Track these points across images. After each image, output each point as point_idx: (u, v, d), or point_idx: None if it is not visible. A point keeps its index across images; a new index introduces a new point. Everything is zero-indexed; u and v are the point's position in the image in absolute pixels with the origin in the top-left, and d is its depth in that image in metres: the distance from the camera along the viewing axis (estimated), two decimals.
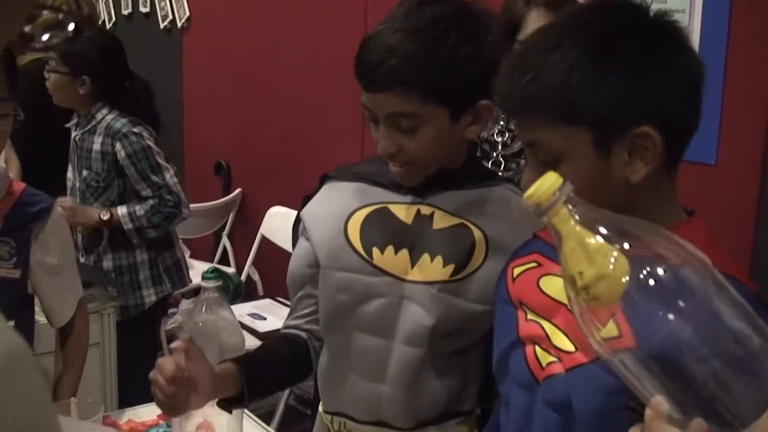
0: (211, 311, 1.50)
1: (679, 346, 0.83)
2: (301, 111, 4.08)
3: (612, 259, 0.86)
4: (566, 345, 1.17)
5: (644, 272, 0.85)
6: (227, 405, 1.47)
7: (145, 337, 3.00)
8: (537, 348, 1.20)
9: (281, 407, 3.50)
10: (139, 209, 2.87)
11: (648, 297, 0.84)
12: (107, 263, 2.96)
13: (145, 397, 2.61)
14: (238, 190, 4.60)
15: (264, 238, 4.05)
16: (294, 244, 1.62)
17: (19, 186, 1.80)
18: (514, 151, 2.19)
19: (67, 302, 1.92)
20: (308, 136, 4.02)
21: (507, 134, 2.19)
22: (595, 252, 0.87)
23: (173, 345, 1.36)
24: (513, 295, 1.27)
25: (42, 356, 2.29)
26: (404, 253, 1.44)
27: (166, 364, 1.33)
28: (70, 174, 3.02)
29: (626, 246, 0.87)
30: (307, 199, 1.61)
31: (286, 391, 3.51)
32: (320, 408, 1.66)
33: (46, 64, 2.94)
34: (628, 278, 0.85)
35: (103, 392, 2.63)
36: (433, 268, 1.42)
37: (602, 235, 0.89)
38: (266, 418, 2.28)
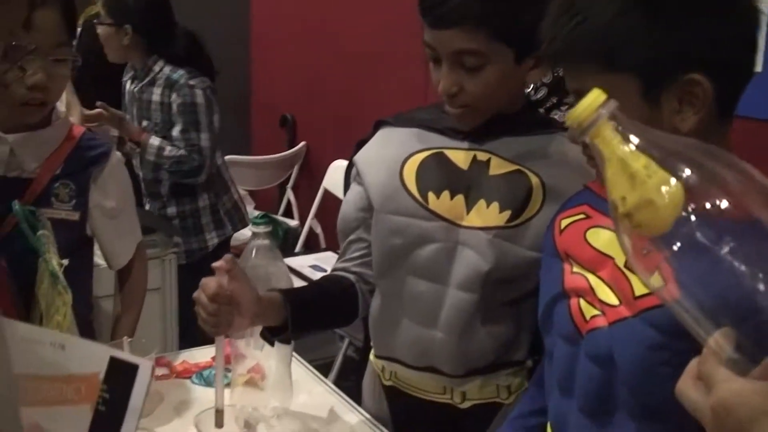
0: (260, 256, 1.51)
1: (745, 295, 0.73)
2: (365, 65, 4.05)
3: (663, 187, 0.78)
4: (610, 298, 1.14)
5: (701, 204, 0.75)
6: (270, 335, 1.47)
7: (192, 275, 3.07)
8: (581, 301, 1.18)
9: (340, 358, 3.53)
10: (169, 151, 2.96)
11: (704, 236, 0.75)
12: (171, 209, 3.06)
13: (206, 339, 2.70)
14: (302, 143, 4.62)
15: (326, 192, 4.07)
16: (346, 190, 1.62)
17: (79, 130, 1.82)
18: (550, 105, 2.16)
19: (126, 245, 1.94)
20: (372, 91, 4.00)
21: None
22: (640, 175, 0.79)
23: (215, 264, 1.36)
24: (560, 247, 1.25)
25: (102, 299, 2.36)
26: (460, 198, 1.43)
27: (209, 282, 1.35)
28: None
29: (682, 172, 0.78)
30: (361, 144, 1.61)
31: (345, 342, 3.54)
32: (371, 356, 1.67)
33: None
34: (679, 208, 0.76)
35: (163, 336, 2.70)
36: (489, 214, 1.41)
37: (652, 158, 0.80)
38: (324, 369, 2.29)
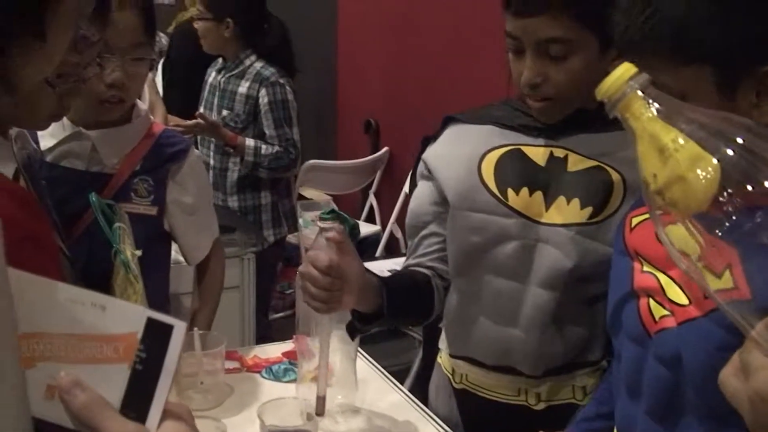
0: (327, 251, 1.50)
1: None
2: (449, 73, 4.04)
3: (696, 163, 0.73)
4: (680, 298, 1.09)
5: (742, 186, 0.70)
6: (361, 323, 1.42)
7: (263, 275, 3.08)
8: (651, 301, 1.13)
9: (417, 364, 3.51)
10: (265, 149, 3.04)
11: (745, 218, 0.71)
12: (233, 203, 3.14)
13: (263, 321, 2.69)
14: (385, 149, 4.63)
15: (408, 197, 4.06)
16: (412, 187, 1.60)
17: (159, 127, 1.87)
18: None
19: (203, 241, 1.98)
20: (456, 97, 3.98)
21: None
22: (670, 151, 0.76)
23: (328, 235, 1.30)
24: (630, 245, 1.20)
25: (182, 296, 2.41)
26: (538, 195, 1.40)
27: (320, 255, 1.29)
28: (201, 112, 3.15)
29: (719, 148, 0.74)
30: (427, 141, 1.59)
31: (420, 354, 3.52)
32: (439, 359, 1.65)
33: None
34: (714, 185, 0.72)
35: (241, 333, 2.73)
36: (570, 211, 1.38)
37: (686, 133, 0.76)
38: (400, 376, 2.28)
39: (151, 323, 0.56)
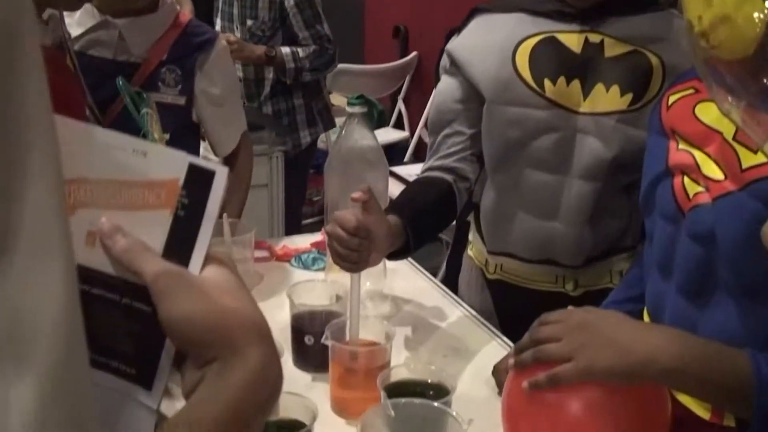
0: (356, 137, 1.49)
1: None
2: None
3: (748, 5, 0.70)
4: (716, 173, 1.07)
5: None
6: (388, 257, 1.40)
7: (301, 175, 3.08)
8: (686, 178, 1.11)
9: (444, 264, 3.53)
10: (302, 51, 2.95)
11: None
12: (266, 109, 3.07)
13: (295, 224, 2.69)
14: (414, 54, 4.56)
15: None
16: (437, 81, 1.56)
17: (186, 17, 1.84)
18: None
19: (231, 133, 1.97)
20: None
21: None
22: None
23: (354, 195, 1.26)
24: (666, 123, 1.17)
25: None
26: (576, 83, 1.36)
27: (346, 216, 1.25)
28: (219, 27, 3.05)
29: None
30: (452, 33, 1.54)
31: (450, 248, 3.52)
32: (470, 251, 1.64)
33: None
34: (760, 26, 0.68)
35: (270, 229, 2.74)
36: (609, 98, 1.34)
37: None
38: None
39: (192, 169, 0.54)
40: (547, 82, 1.36)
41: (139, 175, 0.55)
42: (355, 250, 1.24)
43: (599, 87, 1.35)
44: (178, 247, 0.55)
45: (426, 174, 1.52)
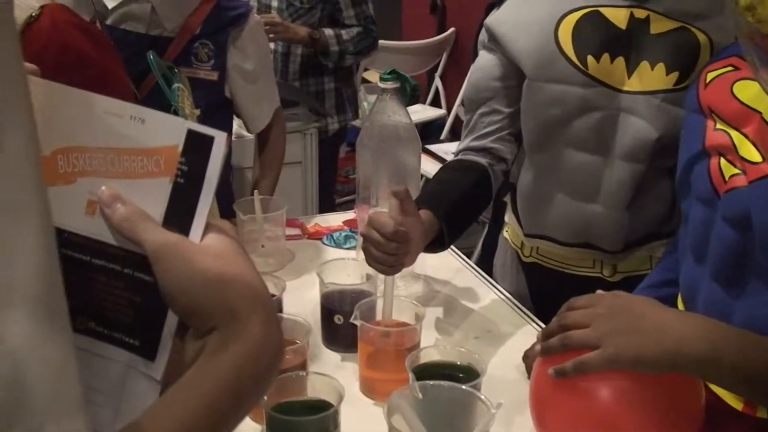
0: (388, 112, 1.47)
1: None
2: None
3: None
4: (753, 155, 1.04)
5: None
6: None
7: (332, 153, 3.02)
8: (722, 160, 1.08)
9: (480, 244, 3.50)
10: (345, 33, 2.85)
11: None
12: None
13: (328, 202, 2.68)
14: (451, 30, 4.51)
15: None
16: (474, 57, 1.53)
17: None
18: None
19: (264, 110, 1.96)
20: None
21: None
22: None
23: (394, 189, 1.22)
24: (703, 101, 1.14)
25: (245, 170, 2.42)
26: (620, 61, 1.33)
27: (382, 218, 1.22)
28: None
29: None
30: (492, 6, 1.50)
31: (486, 228, 3.50)
32: (505, 233, 1.62)
33: None
34: None
35: (303, 207, 2.74)
36: (654, 77, 1.31)
37: None
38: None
39: (191, 135, 0.54)
40: (590, 59, 1.33)
41: (138, 142, 0.54)
42: (392, 254, 1.22)
43: (644, 65, 1.32)
44: (178, 215, 0.54)
45: (460, 157, 1.50)
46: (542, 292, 1.54)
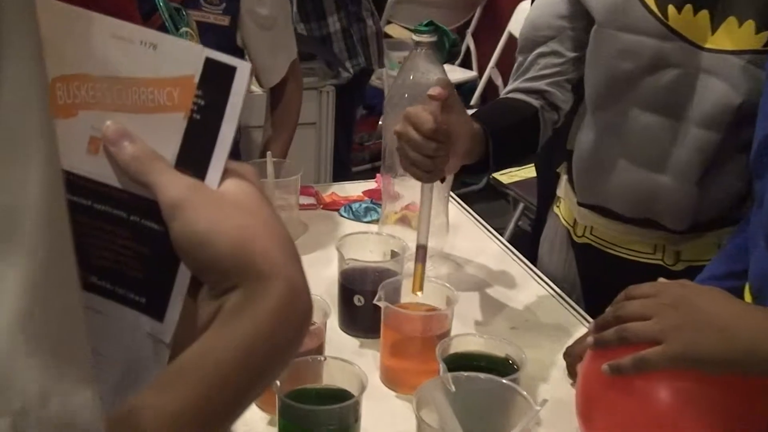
0: (422, 69, 1.46)
1: None
2: None
3: None
4: None
5: None
6: (462, 174, 1.35)
7: (347, 114, 2.97)
8: None
9: (511, 225, 3.51)
10: None
11: None
12: (298, 30, 2.91)
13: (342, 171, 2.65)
14: None
15: (511, 37, 3.95)
16: None
17: None
18: None
19: (279, 61, 1.96)
20: None
21: None
22: None
23: (431, 92, 1.18)
24: None
25: (252, 129, 2.41)
26: (704, 14, 1.31)
27: (422, 115, 1.17)
28: None
29: None
30: None
31: (519, 209, 3.50)
32: (556, 208, 1.60)
33: None
34: None
35: (317, 173, 2.74)
36: (741, 35, 1.29)
37: None
38: None
39: (210, 64, 0.52)
40: (671, 9, 1.31)
41: (149, 71, 0.53)
42: (431, 156, 1.18)
43: (731, 21, 1.30)
44: (194, 156, 0.53)
45: (509, 95, 1.47)
46: (594, 278, 1.54)
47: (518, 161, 1.50)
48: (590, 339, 1.03)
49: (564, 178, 1.58)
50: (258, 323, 0.50)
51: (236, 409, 0.51)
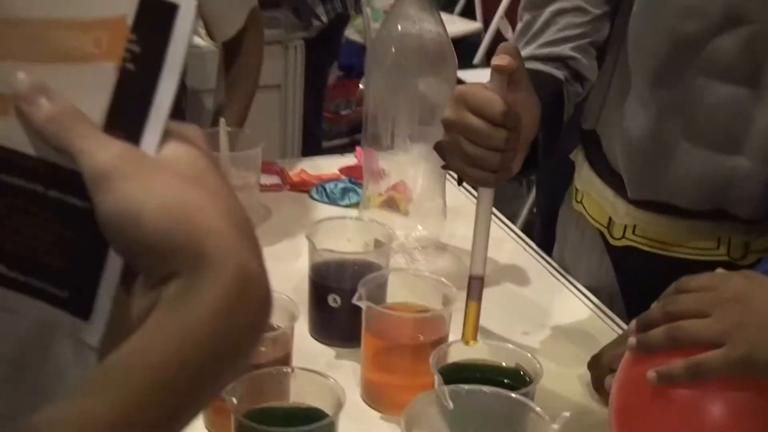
0: (413, 16, 1.48)
1: None
2: None
3: None
4: None
5: None
6: None
7: (318, 74, 3.00)
8: None
9: (524, 213, 3.54)
10: None
11: None
12: None
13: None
14: None
15: None
16: None
17: None
18: None
19: (235, 9, 1.96)
20: None
21: None
22: None
23: (497, 60, 1.11)
24: None
25: (202, 94, 2.42)
26: None
27: (485, 95, 1.10)
28: None
29: None
30: None
31: (531, 195, 3.53)
32: (576, 204, 1.59)
33: None
34: None
35: (282, 143, 2.75)
36: None
37: None
38: None
39: (146, 3, 0.53)
40: None
41: (71, 11, 0.53)
42: (501, 149, 1.12)
43: None
44: (126, 115, 0.53)
45: (529, 66, 1.44)
46: (640, 287, 1.51)
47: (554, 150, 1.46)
48: (632, 340, 1.04)
49: (585, 166, 1.57)
50: (201, 318, 0.50)
51: (173, 423, 0.51)
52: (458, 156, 1.15)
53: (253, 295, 0.52)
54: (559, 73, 1.38)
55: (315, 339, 1.37)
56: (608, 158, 1.51)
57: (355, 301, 1.22)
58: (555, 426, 0.95)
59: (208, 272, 0.50)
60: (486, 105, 1.10)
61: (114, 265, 0.54)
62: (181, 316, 0.50)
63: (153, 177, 0.52)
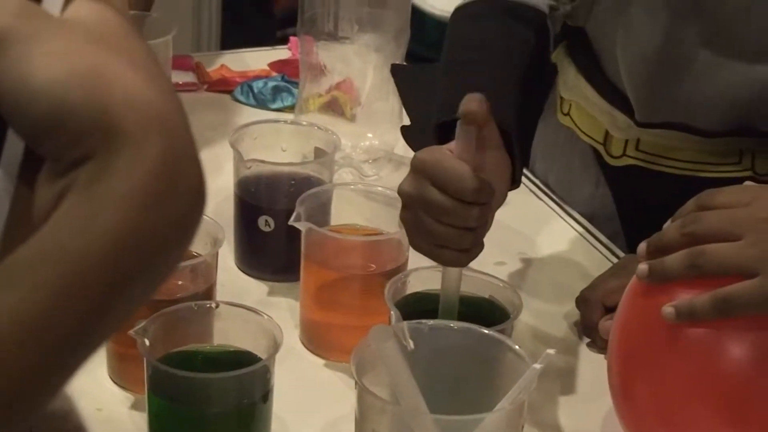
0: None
1: None
2: None
3: None
4: None
5: None
6: None
7: None
8: None
9: None
10: None
11: None
12: None
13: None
14: None
15: None
16: None
17: None
18: None
19: None
20: None
21: None
22: None
23: (464, 107, 1.10)
24: None
25: None
26: None
27: (457, 168, 1.11)
28: None
29: None
30: None
31: None
32: (562, 117, 1.60)
33: None
34: None
35: (196, 32, 2.74)
36: None
37: None
38: None
39: None
40: None
41: None
42: (473, 227, 1.14)
43: None
44: None
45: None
46: (644, 211, 1.53)
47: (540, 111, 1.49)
48: (642, 267, 1.03)
49: (571, 70, 1.58)
50: (118, 207, 0.50)
51: (86, 334, 0.52)
52: (422, 235, 1.16)
53: (183, 180, 0.52)
54: (543, 5, 1.44)
55: (243, 271, 1.38)
56: (607, 72, 1.53)
57: (292, 222, 1.22)
58: (537, 366, 0.95)
59: (128, 152, 0.50)
60: (454, 180, 1.11)
61: (13, 149, 0.54)
62: (95, 205, 0.50)
63: (57, 39, 0.51)
